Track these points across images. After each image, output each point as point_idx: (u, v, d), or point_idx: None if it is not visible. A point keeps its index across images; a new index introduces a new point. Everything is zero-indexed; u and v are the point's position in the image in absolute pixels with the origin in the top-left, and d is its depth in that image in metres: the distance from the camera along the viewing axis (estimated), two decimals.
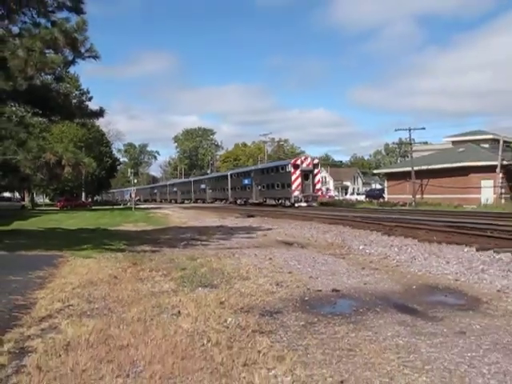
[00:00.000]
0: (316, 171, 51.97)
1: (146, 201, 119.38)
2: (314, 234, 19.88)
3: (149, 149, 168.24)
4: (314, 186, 51.42)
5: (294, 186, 49.69)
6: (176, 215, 42.34)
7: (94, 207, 72.70)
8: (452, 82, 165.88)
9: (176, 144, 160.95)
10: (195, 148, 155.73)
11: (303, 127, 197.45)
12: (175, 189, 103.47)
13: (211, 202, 78.24)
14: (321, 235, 19.14)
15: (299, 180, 49.69)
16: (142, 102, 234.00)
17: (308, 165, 50.79)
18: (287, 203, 51.01)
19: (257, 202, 60.21)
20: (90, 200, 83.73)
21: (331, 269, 11.07)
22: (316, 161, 52.88)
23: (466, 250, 12.74)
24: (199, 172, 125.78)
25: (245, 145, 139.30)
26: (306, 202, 49.76)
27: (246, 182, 64.38)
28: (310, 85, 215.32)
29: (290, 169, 50.44)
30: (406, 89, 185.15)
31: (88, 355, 5.11)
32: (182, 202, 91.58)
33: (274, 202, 55.56)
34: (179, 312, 6.92)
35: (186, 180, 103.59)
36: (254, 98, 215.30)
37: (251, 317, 6.64)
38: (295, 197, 49.53)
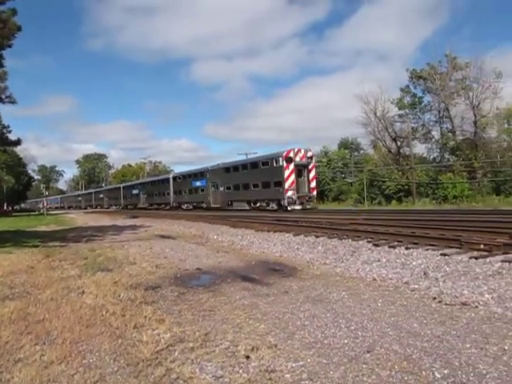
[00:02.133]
0: (311, 165, 30.30)
1: (70, 207, 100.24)
2: (182, 228, 19.59)
3: (57, 169, 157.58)
4: (309, 183, 30.17)
5: (287, 185, 28.94)
6: (80, 218, 39.78)
7: (14, 214, 66.08)
8: (274, 121, 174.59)
9: (78, 165, 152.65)
10: (93, 168, 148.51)
11: (172, 152, 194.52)
12: (101, 195, 79.51)
13: (146, 208, 54.92)
14: (187, 229, 18.92)
15: (293, 177, 29.12)
16: (50, 134, 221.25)
17: (302, 158, 29.69)
18: (273, 206, 30.48)
19: (216, 206, 37.71)
20: (10, 209, 76.23)
21: (195, 253, 10.95)
22: (310, 153, 30.30)
23: (286, 235, 13.20)
24: (96, 185, 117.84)
25: (130, 165, 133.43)
26: (301, 204, 29.28)
27: (199, 183, 41.76)
28: (176, 121, 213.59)
29: (282, 163, 29.22)
30: (244, 125, 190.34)
31: (10, 330, 4.63)
32: (109, 208, 72.37)
33: (246, 206, 34.13)
34: (83, 291, 6.47)
35: (115, 186, 79.23)
36: (136, 131, 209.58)
37: (138, 291, 6.37)
38: (289, 198, 28.80)
